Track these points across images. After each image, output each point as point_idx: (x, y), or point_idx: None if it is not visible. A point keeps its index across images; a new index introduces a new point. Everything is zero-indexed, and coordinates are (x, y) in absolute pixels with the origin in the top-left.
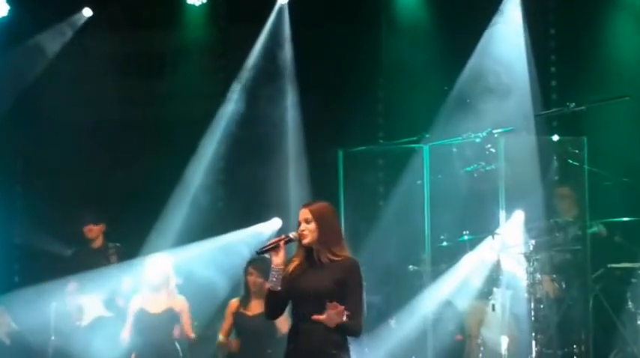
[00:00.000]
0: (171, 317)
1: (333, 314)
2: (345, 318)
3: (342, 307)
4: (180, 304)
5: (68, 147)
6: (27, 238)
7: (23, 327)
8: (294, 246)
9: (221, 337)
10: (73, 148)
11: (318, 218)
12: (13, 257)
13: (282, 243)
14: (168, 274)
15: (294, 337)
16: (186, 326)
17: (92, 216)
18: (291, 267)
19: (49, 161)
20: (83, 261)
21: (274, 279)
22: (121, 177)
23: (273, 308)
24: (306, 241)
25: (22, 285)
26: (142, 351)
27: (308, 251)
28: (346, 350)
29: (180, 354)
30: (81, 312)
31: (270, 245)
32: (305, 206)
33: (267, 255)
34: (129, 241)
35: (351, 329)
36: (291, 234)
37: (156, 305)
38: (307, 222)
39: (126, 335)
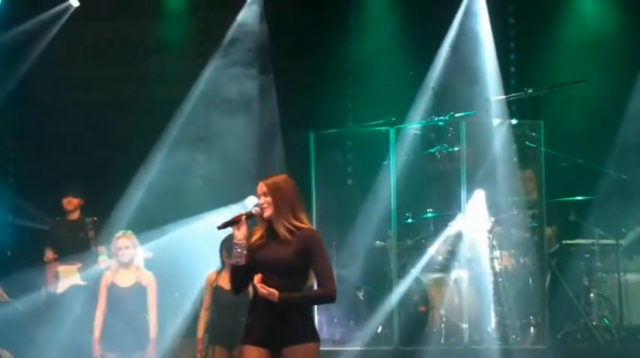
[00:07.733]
0: (139, 290)
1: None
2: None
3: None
4: (148, 278)
5: (57, 128)
6: (19, 215)
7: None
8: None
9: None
10: (61, 129)
11: (273, 191)
12: (7, 233)
13: (243, 218)
14: (136, 251)
15: (256, 308)
16: (152, 300)
17: (72, 189)
18: (252, 240)
19: (39, 140)
20: (61, 233)
21: (238, 254)
22: (106, 156)
23: (239, 281)
24: (266, 215)
25: (15, 259)
26: (114, 322)
27: (268, 224)
28: (309, 318)
29: (149, 325)
30: (57, 280)
31: (231, 220)
32: (262, 180)
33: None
34: (107, 217)
35: (324, 297)
36: (253, 209)
37: (125, 279)
38: (265, 195)
39: (101, 307)
